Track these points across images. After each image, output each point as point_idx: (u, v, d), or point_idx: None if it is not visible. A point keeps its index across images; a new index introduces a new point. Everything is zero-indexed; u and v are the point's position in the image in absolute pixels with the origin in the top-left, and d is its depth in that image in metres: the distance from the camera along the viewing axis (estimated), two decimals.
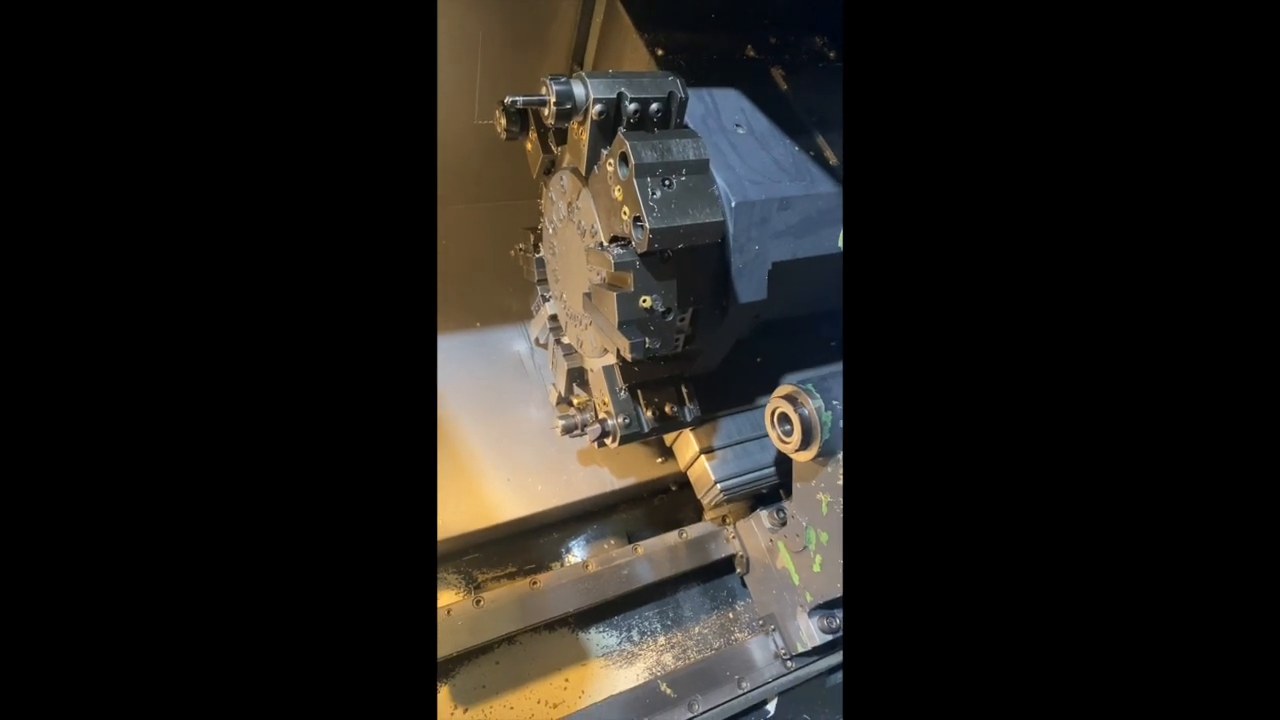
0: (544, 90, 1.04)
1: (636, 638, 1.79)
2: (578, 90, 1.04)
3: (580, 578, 1.70)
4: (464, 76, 1.44)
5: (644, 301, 1.03)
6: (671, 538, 1.79)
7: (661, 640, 1.80)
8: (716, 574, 1.88)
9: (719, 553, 1.81)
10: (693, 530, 1.81)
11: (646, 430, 1.21)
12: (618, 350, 1.04)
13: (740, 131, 1.20)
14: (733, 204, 1.12)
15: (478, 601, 1.61)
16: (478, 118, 1.42)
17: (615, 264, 1.01)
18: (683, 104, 1.08)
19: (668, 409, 1.21)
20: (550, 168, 1.22)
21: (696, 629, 1.84)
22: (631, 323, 1.03)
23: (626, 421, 1.19)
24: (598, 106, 1.03)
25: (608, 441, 1.22)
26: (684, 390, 1.24)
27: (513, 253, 1.50)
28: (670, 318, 1.06)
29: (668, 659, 1.78)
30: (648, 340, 1.05)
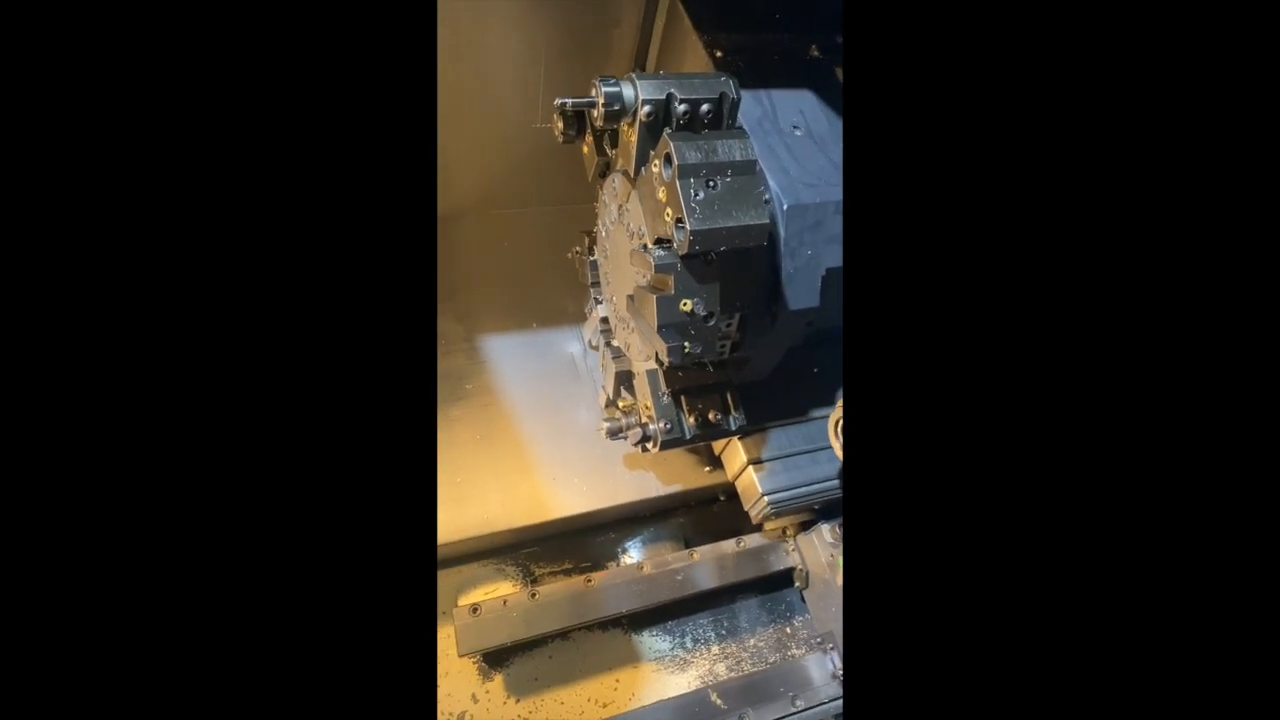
0: (594, 92, 1.05)
1: (689, 644, 1.77)
2: (627, 92, 1.04)
3: (634, 579, 1.71)
4: (528, 81, 1.47)
5: (684, 305, 1.02)
6: (729, 546, 1.77)
7: (715, 649, 1.78)
8: (775, 587, 1.84)
9: (778, 565, 1.77)
10: (751, 540, 1.77)
11: (688, 437, 1.20)
12: (656, 354, 1.03)
13: (798, 133, 1.17)
14: (785, 207, 1.10)
15: (533, 594, 1.64)
16: (539, 122, 1.45)
17: (655, 266, 1.00)
18: (734, 105, 1.07)
19: (712, 416, 1.20)
20: (605, 170, 1.23)
21: (752, 641, 1.80)
22: (671, 326, 1.02)
23: (668, 427, 1.18)
24: (646, 108, 1.03)
25: (649, 446, 1.21)
26: (730, 398, 1.22)
27: (570, 255, 1.52)
28: (712, 322, 1.05)
29: (720, 669, 1.76)
30: (688, 345, 1.04)
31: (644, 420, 1.22)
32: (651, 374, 1.19)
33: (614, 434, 1.26)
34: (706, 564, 1.76)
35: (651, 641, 1.76)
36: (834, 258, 1.14)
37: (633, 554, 1.82)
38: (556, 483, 1.64)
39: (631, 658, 1.73)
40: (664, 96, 1.04)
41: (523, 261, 1.81)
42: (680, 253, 0.99)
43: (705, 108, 1.05)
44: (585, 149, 1.22)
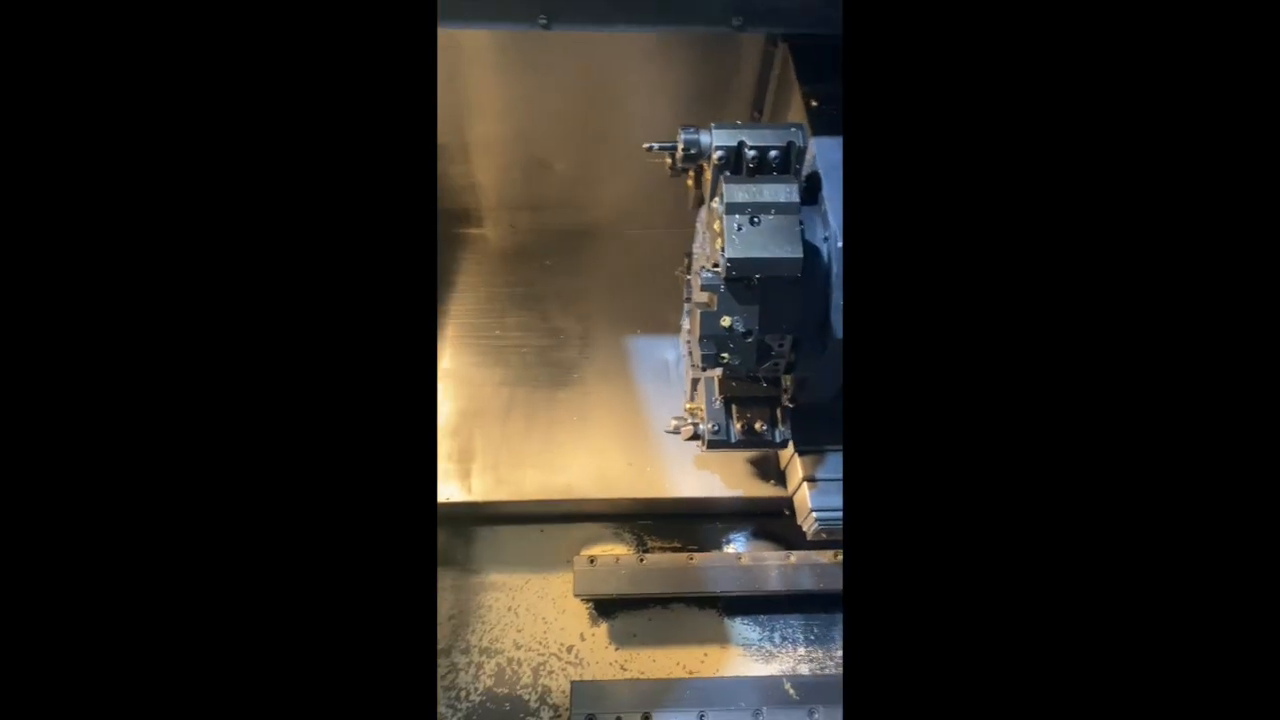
0: (677, 138, 1.26)
1: (777, 640, 1.90)
2: (704, 139, 1.24)
3: (731, 566, 1.88)
4: (660, 119, 1.71)
5: (725, 321, 1.20)
6: (826, 555, 1.87)
7: (801, 650, 1.89)
8: None
9: None
10: None
11: (732, 441, 1.37)
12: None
13: None
14: (839, 244, 1.22)
15: (641, 559, 1.88)
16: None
17: (702, 284, 1.20)
18: (801, 152, 1.23)
19: (758, 426, 1.35)
20: (701, 202, 1.43)
21: (839, 652, 1.88)
22: (710, 338, 1.21)
23: (715, 429, 1.36)
24: (719, 153, 1.23)
25: (698, 443, 1.40)
26: (778, 413, 1.36)
27: (676, 273, 1.73)
28: (750, 339, 1.22)
29: (804, 670, 1.87)
30: (727, 356, 1.22)
31: (697, 420, 1.41)
32: (709, 381, 1.38)
33: (676, 429, 1.46)
34: (803, 568, 1.88)
35: (742, 629, 1.91)
36: None
37: (736, 546, 1.98)
38: (632, 467, 1.89)
39: (721, 638, 1.90)
40: (735, 144, 1.22)
41: (641, 275, 2.08)
42: (722, 275, 1.17)
43: (774, 154, 1.22)
44: (689, 182, 1.43)
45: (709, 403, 1.38)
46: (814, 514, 1.41)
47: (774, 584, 1.87)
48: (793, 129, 1.22)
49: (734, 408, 1.37)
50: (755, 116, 1.67)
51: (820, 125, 1.31)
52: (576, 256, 2.19)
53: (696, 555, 1.89)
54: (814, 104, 1.34)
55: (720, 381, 1.36)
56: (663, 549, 1.96)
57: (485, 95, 1.87)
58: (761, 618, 1.93)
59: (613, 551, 1.93)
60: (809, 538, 1.45)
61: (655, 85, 1.78)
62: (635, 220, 2.15)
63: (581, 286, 2.16)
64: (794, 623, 1.92)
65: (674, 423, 1.46)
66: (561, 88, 1.82)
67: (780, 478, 1.88)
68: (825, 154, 1.29)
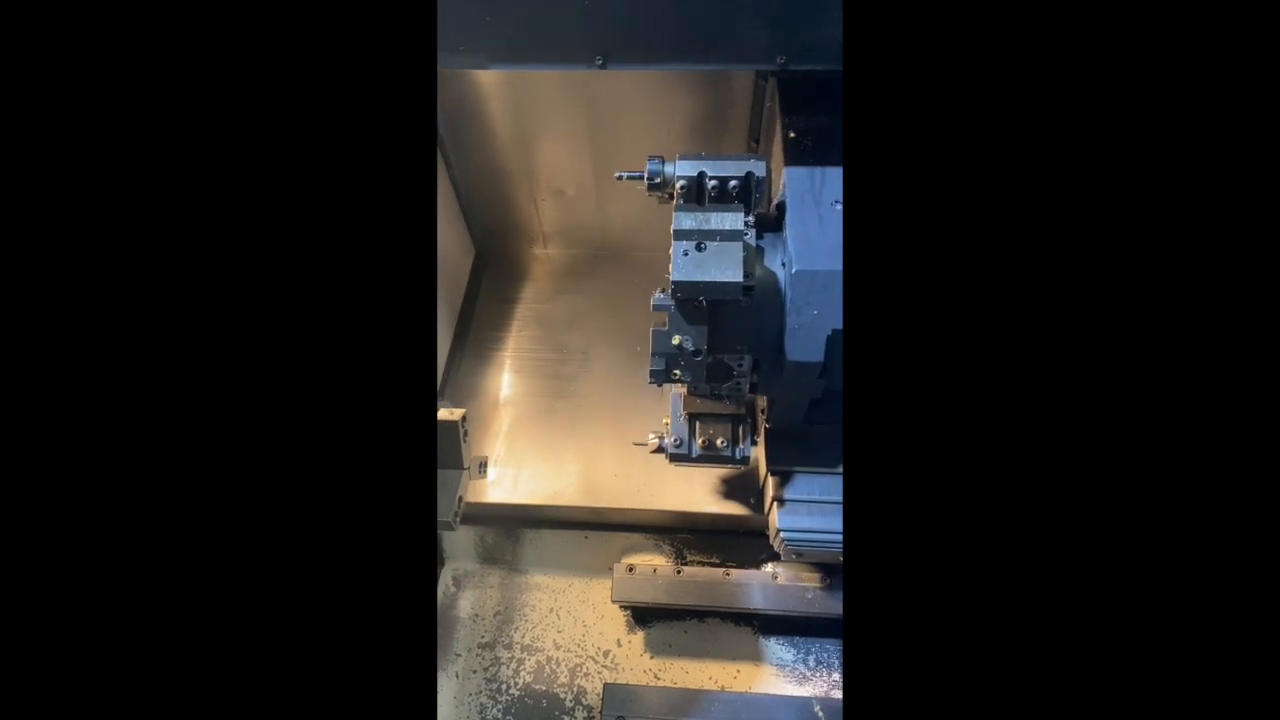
0: (644, 169, 1.36)
1: (812, 664, 1.90)
2: (668, 169, 1.33)
3: (766, 584, 1.91)
4: (661, 149, 1.80)
5: (675, 340, 1.28)
6: None
7: (835, 676, 1.88)
8: None
9: None
10: None
11: (694, 456, 1.42)
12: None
13: (836, 207, 1.29)
14: (794, 270, 1.26)
15: (678, 570, 1.96)
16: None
17: (654, 305, 1.28)
18: (761, 181, 1.28)
19: (719, 443, 1.39)
20: None
21: None
22: (661, 355, 1.29)
23: (677, 443, 1.42)
24: (681, 182, 1.31)
25: (663, 455, 1.46)
26: (740, 430, 1.40)
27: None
28: (700, 358, 1.28)
29: (837, 695, 1.85)
30: (678, 373, 1.29)
31: (663, 433, 1.47)
32: (676, 397, 1.44)
33: (643, 442, 1.53)
34: (839, 593, 1.86)
35: (777, 649, 1.93)
36: (840, 320, 1.25)
37: (772, 566, 1.99)
38: (616, 477, 1.98)
39: (755, 656, 1.93)
40: (696, 174, 1.30)
41: (645, 295, 2.14)
42: (668, 297, 1.26)
43: (734, 183, 1.29)
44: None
45: (674, 417, 1.45)
46: (781, 534, 1.43)
47: (809, 606, 1.87)
48: (752, 160, 1.28)
49: (697, 424, 1.43)
50: (752, 146, 1.72)
51: (794, 156, 1.35)
52: (586, 279, 2.38)
53: (733, 571, 1.93)
54: (792, 135, 1.38)
55: (685, 398, 1.43)
56: (701, 563, 2.02)
57: (522, 126, 2.06)
58: (797, 639, 1.93)
59: (652, 561, 2.01)
60: (782, 558, 1.46)
61: (654, 118, 1.91)
62: (642, 244, 2.30)
63: (588, 305, 2.33)
64: (830, 647, 1.91)
65: (650, 436, 1.53)
66: (569, 119, 1.99)
67: None
68: (794, 184, 1.33)
